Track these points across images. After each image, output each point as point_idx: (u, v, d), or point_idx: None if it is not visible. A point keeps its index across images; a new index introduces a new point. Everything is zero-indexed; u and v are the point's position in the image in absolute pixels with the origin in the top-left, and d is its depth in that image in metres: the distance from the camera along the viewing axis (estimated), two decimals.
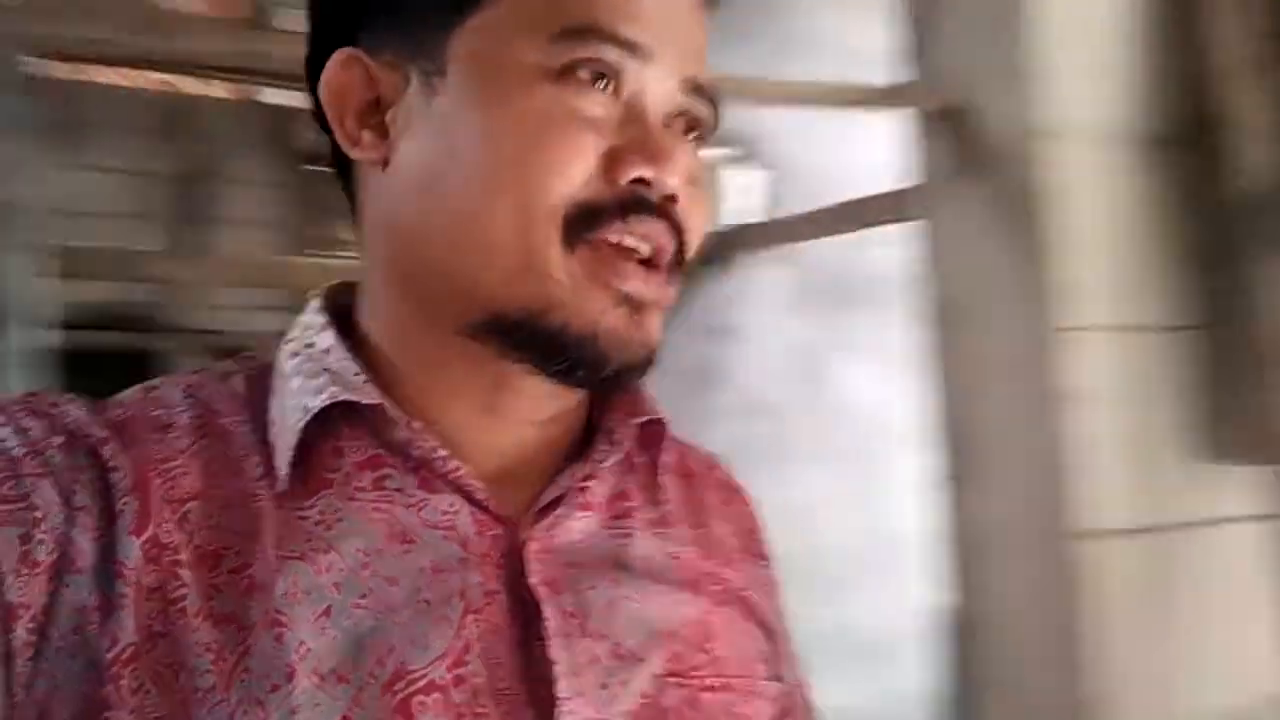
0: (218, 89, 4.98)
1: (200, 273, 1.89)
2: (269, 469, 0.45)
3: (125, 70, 4.62)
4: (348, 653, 0.41)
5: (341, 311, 0.51)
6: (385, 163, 0.48)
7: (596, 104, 0.46)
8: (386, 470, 0.46)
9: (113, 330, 3.29)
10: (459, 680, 0.42)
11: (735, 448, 1.62)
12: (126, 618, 0.40)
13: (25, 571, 0.39)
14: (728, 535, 0.59)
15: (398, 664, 0.42)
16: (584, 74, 0.45)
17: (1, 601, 0.38)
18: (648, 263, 0.46)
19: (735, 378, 1.79)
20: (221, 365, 0.51)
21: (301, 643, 0.41)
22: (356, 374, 0.47)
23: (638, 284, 0.46)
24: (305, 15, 0.53)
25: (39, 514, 0.40)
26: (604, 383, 0.47)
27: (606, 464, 0.51)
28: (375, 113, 0.49)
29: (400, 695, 0.41)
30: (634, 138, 0.46)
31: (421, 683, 0.42)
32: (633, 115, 0.47)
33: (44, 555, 0.40)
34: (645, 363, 0.47)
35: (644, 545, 0.52)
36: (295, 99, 4.57)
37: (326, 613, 0.42)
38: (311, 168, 4.47)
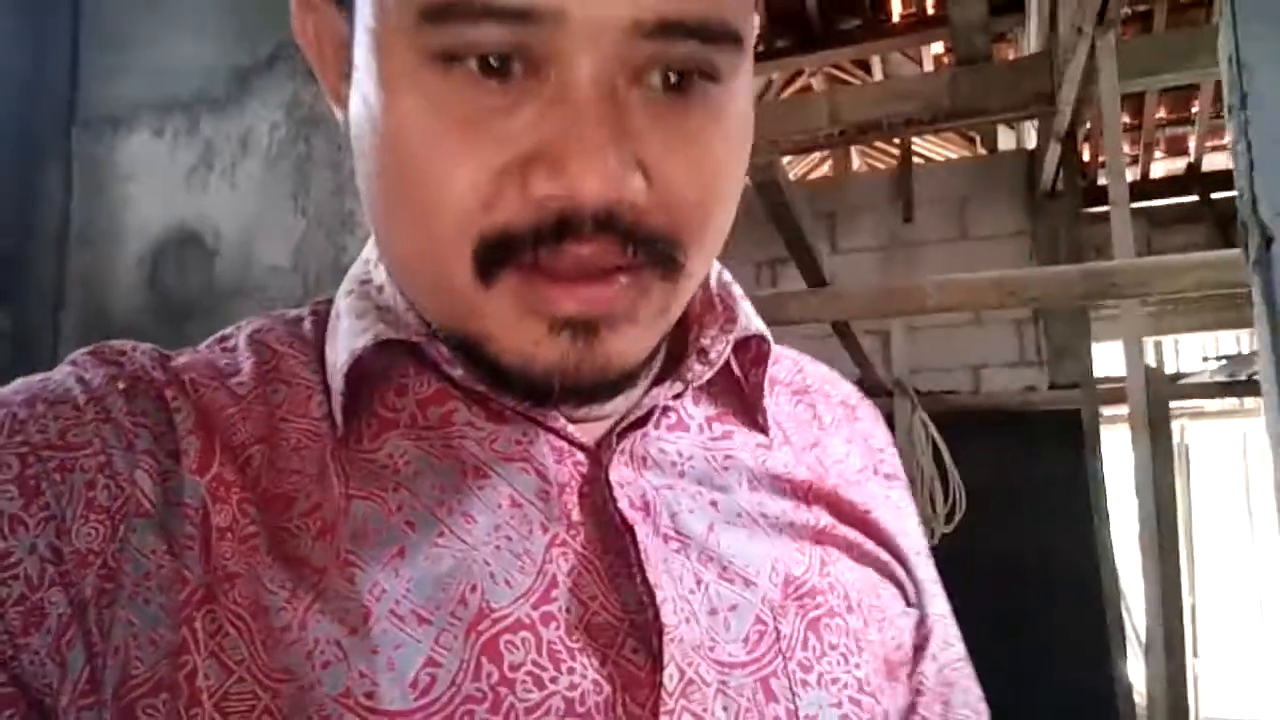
0: (955, 148, 5.15)
1: (837, 305, 1.87)
2: (332, 409, 0.43)
3: (869, 150, 5.13)
4: (427, 593, 0.39)
5: None
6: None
7: (496, 97, 0.36)
8: (453, 404, 0.44)
9: None
10: (547, 617, 0.40)
11: None
12: (195, 559, 0.38)
13: (93, 518, 0.38)
14: (849, 454, 0.54)
15: (481, 603, 0.39)
16: (471, 64, 0.36)
17: (71, 549, 0.38)
18: (593, 274, 0.38)
19: None
20: (294, 310, 0.50)
21: (375, 583, 0.39)
22: (408, 309, 0.44)
23: (574, 305, 0.38)
24: None
25: (102, 459, 0.39)
26: (568, 401, 0.42)
27: (696, 383, 0.47)
28: (351, 62, 0.42)
29: (486, 635, 0.39)
30: (548, 136, 0.36)
31: (508, 621, 0.39)
32: (559, 95, 0.36)
33: (109, 500, 0.39)
34: (616, 379, 0.41)
35: (749, 466, 0.48)
36: (1030, 137, 4.50)
37: (400, 553, 0.40)
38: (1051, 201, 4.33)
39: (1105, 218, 4.47)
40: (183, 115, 1.80)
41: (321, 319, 0.48)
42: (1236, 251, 1.85)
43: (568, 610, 0.40)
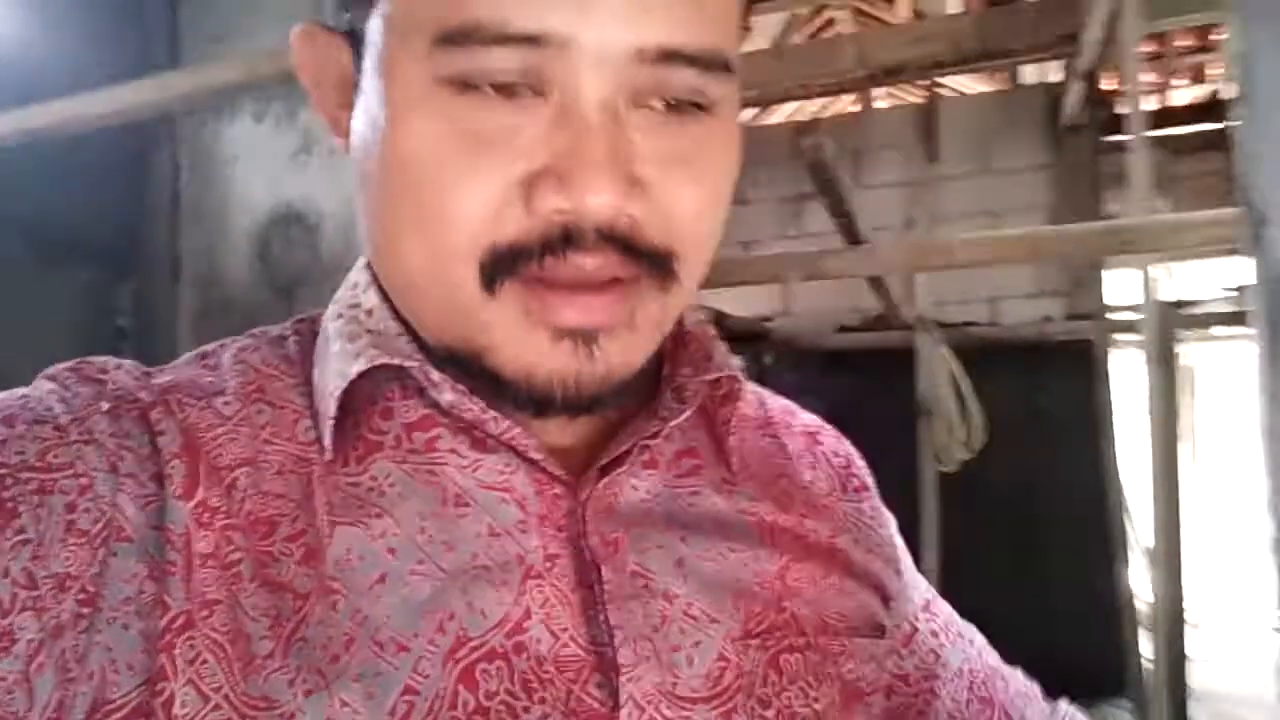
0: (978, 83, 5.22)
1: (873, 262, 2.04)
2: (320, 434, 0.43)
3: (892, 90, 5.21)
4: (406, 621, 0.39)
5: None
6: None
7: (507, 116, 0.38)
8: (438, 431, 0.44)
9: (878, 331, 3.75)
10: (519, 648, 0.40)
11: None
12: (177, 585, 0.38)
13: (72, 541, 0.37)
14: (815, 479, 0.54)
15: (459, 631, 0.40)
16: (484, 86, 0.38)
17: (49, 572, 0.37)
18: (593, 284, 0.40)
19: None
20: (277, 328, 0.49)
21: (358, 610, 0.39)
22: (399, 334, 0.44)
23: (577, 314, 0.40)
24: None
25: (84, 481, 0.38)
26: (567, 413, 0.43)
27: (673, 422, 0.46)
28: (352, 93, 0.44)
29: (463, 664, 0.39)
30: (555, 153, 0.38)
31: (483, 650, 0.39)
32: (564, 116, 0.38)
33: (90, 524, 0.38)
34: (613, 389, 0.42)
35: (713, 503, 0.48)
36: (1053, 71, 4.58)
37: (382, 580, 0.40)
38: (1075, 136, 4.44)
39: (1125, 147, 4.58)
40: (281, 103, 1.96)
41: (305, 339, 0.48)
42: (1238, 211, 2.01)
43: (539, 641, 0.41)
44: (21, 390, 0.42)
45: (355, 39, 0.43)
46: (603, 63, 0.38)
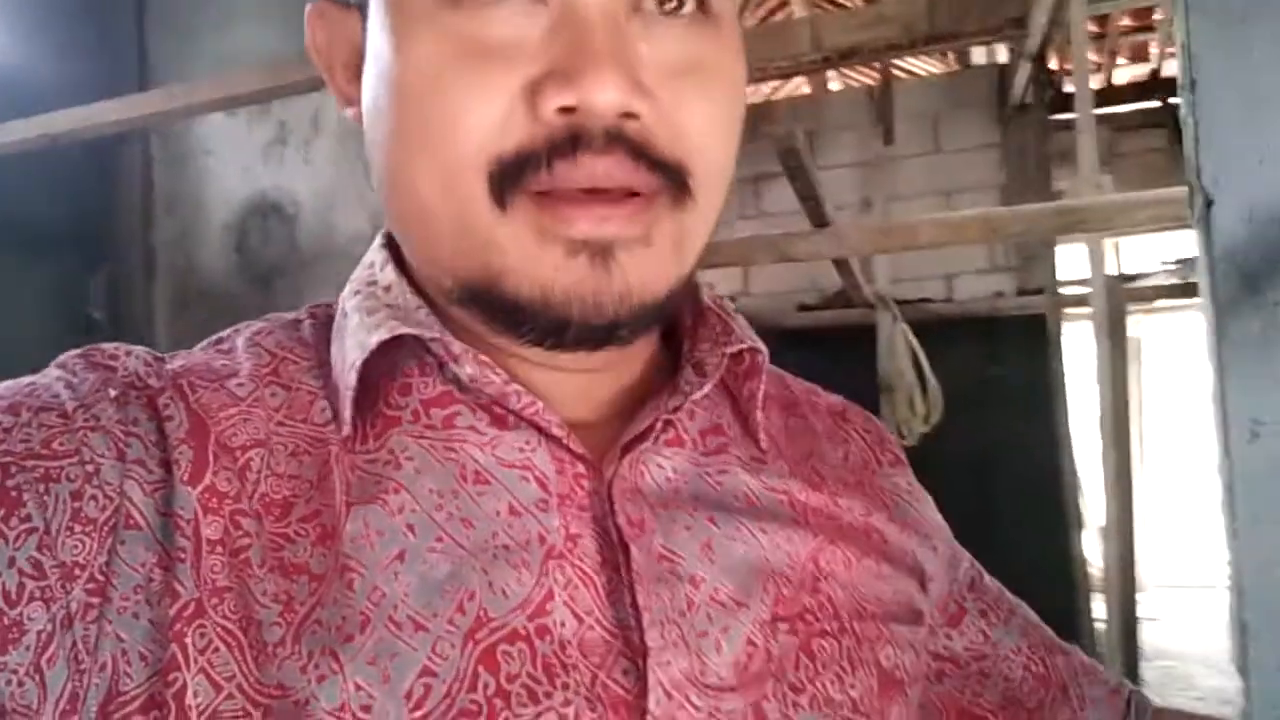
0: (929, 65, 5.32)
1: (839, 244, 2.11)
2: (336, 413, 0.42)
3: (844, 72, 5.29)
4: (424, 599, 0.38)
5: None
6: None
7: (504, 22, 0.38)
8: (456, 408, 0.43)
9: (839, 309, 3.84)
10: (543, 630, 0.39)
11: None
12: (186, 572, 0.37)
13: (79, 529, 0.37)
14: (845, 456, 0.53)
15: (479, 611, 0.38)
16: None
17: (56, 561, 0.36)
18: (608, 193, 0.38)
19: None
20: (291, 313, 0.49)
21: (375, 588, 0.38)
22: (419, 307, 0.43)
23: (590, 224, 0.38)
24: None
25: (90, 469, 0.38)
26: (586, 344, 0.41)
27: (695, 396, 0.45)
28: (361, 64, 0.44)
29: (483, 645, 0.38)
30: (557, 56, 0.37)
31: (504, 631, 0.38)
32: (564, 19, 0.38)
33: (97, 512, 0.37)
34: (634, 315, 0.40)
35: (742, 481, 0.47)
36: (1000, 52, 4.69)
37: (400, 557, 0.39)
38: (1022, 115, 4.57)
39: (1071, 125, 4.71)
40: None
41: (320, 322, 0.47)
42: (1183, 191, 2.11)
43: (563, 624, 0.39)
44: (28, 378, 0.41)
45: (364, 11, 0.43)
46: None
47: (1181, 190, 2.21)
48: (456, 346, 0.42)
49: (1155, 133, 5.35)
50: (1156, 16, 5.11)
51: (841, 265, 3.04)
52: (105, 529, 0.37)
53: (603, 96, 0.37)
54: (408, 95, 0.39)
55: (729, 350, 0.46)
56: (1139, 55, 5.63)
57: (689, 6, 0.40)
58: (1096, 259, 3.06)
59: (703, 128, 0.40)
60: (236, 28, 2.06)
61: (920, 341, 3.69)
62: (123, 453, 0.39)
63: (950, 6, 3.74)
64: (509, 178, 0.38)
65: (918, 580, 0.51)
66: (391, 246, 0.47)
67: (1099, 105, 4.14)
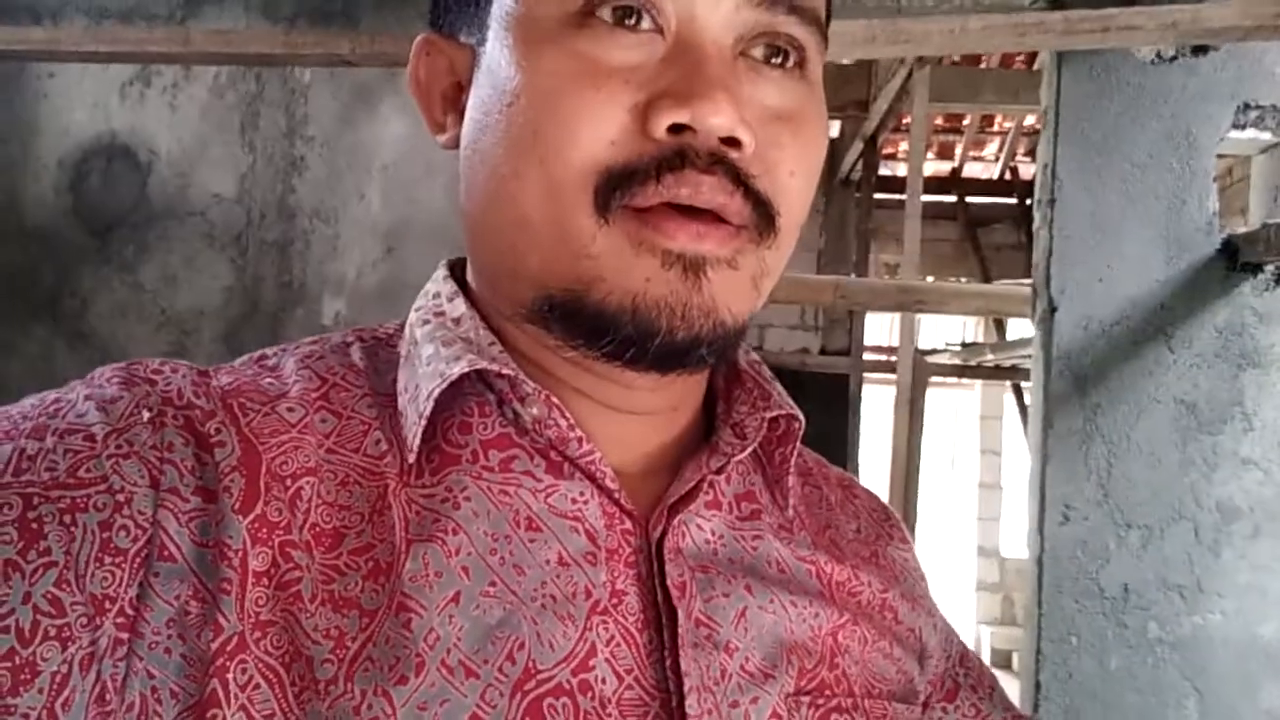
0: None
1: None
2: (392, 444, 0.42)
3: None
4: (476, 644, 0.38)
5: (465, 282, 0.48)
6: (457, 144, 0.46)
7: (625, 48, 0.40)
8: (514, 451, 0.43)
9: None
10: (585, 686, 0.38)
11: (1252, 504, 1.56)
12: (230, 605, 0.36)
13: (109, 561, 0.35)
14: (857, 529, 0.54)
15: (528, 661, 0.38)
16: (605, 14, 0.40)
17: (81, 595, 0.34)
18: (704, 215, 0.40)
19: (1260, 417, 1.61)
20: (338, 335, 0.48)
21: (431, 630, 0.37)
22: (492, 343, 0.44)
23: (687, 238, 0.39)
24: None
25: (120, 498, 0.36)
26: (665, 361, 0.41)
27: (737, 457, 0.46)
28: (460, 97, 0.46)
29: (531, 695, 0.37)
30: (672, 79, 0.39)
31: (550, 685, 0.38)
32: (680, 51, 0.40)
33: (128, 543, 0.36)
34: (715, 334, 0.41)
35: (774, 549, 0.47)
36: (835, 129, 5.04)
37: (455, 599, 0.38)
38: (845, 187, 4.92)
39: (884, 205, 5.14)
40: (120, 25, 1.79)
41: (369, 347, 0.47)
42: (1012, 287, 2.36)
43: (604, 681, 0.39)
44: (54, 394, 0.40)
45: (478, 22, 0.44)
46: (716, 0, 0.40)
47: (1005, 288, 2.46)
48: (528, 386, 0.42)
49: (950, 224, 5.93)
50: (965, 122, 5.68)
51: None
52: (137, 560, 0.35)
53: (715, 119, 0.38)
54: (524, 108, 0.40)
55: (769, 415, 0.47)
56: (945, 153, 6.21)
57: (790, 62, 0.42)
58: (907, 335, 3.34)
59: (791, 169, 0.42)
60: None
61: None
62: (156, 480, 0.37)
63: None
64: (614, 190, 0.39)
65: (919, 659, 0.53)
66: (456, 278, 0.48)
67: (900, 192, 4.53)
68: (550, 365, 0.44)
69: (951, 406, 7.29)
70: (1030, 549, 1.65)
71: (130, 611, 0.35)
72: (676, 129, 0.38)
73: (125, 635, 0.35)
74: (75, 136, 1.83)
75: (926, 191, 5.67)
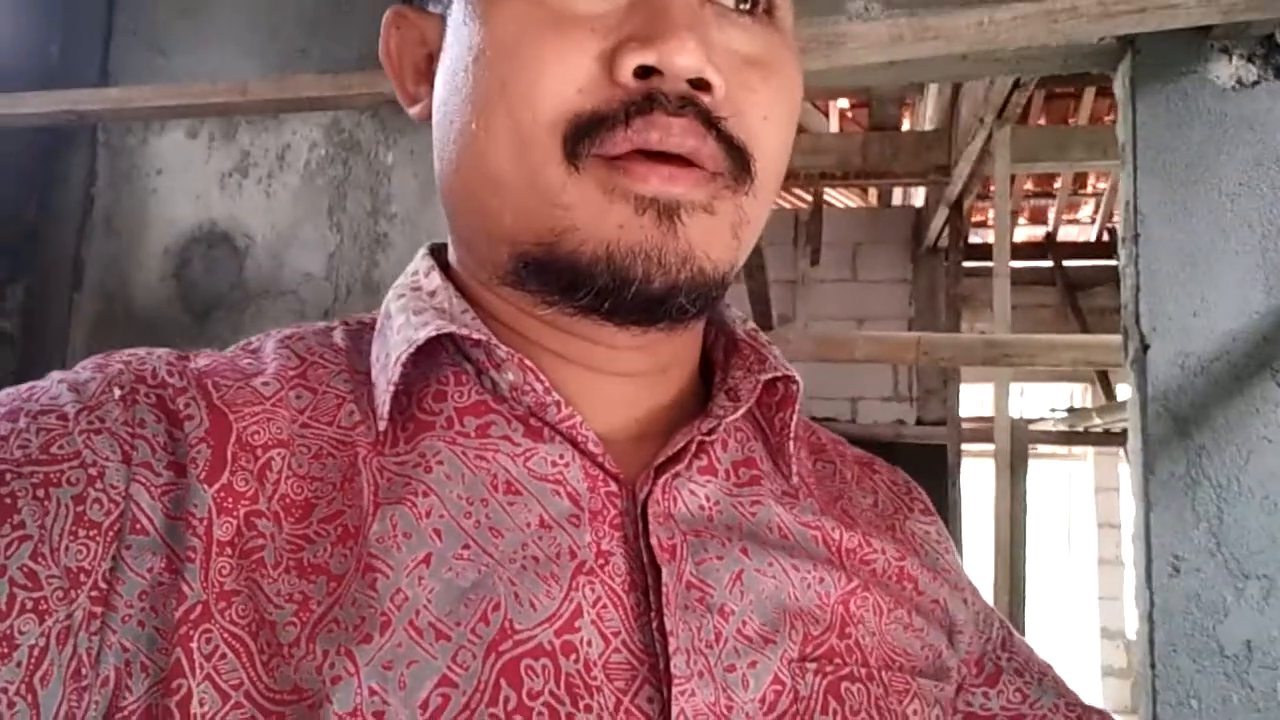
0: (851, 197, 5.62)
1: (781, 348, 2.19)
2: (366, 415, 0.42)
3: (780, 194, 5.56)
4: (448, 606, 0.37)
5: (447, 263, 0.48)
6: (430, 115, 0.46)
7: (590, 1, 0.40)
8: (492, 417, 0.42)
9: None
10: (569, 648, 0.37)
11: None
12: (195, 573, 0.36)
13: (82, 534, 0.35)
14: (874, 503, 0.53)
15: (504, 622, 0.37)
16: None
17: (57, 569, 0.34)
18: (677, 159, 0.39)
19: None
20: (323, 322, 0.48)
21: (398, 590, 0.37)
22: (465, 311, 0.43)
23: (659, 182, 0.39)
24: None
25: (93, 472, 0.36)
26: (644, 311, 0.40)
27: (728, 419, 0.44)
28: (431, 68, 0.46)
29: (506, 657, 0.36)
30: (638, 23, 0.39)
31: (529, 645, 0.37)
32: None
33: (101, 516, 0.36)
34: (694, 282, 0.40)
35: (775, 514, 0.46)
36: (920, 196, 5.01)
37: (425, 560, 0.38)
38: (934, 257, 4.86)
39: (975, 273, 5.04)
40: (218, 121, 1.92)
41: (353, 330, 0.47)
42: (1105, 337, 2.27)
43: (589, 644, 0.38)
44: (29, 383, 0.40)
45: (447, 11, 0.45)
46: None
47: (1099, 338, 2.36)
48: (501, 351, 0.41)
49: (1047, 289, 5.76)
50: (1057, 185, 5.56)
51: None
52: (110, 534, 0.36)
53: (681, 59, 0.38)
54: (489, 63, 0.40)
55: (763, 377, 0.46)
56: (1037, 218, 6.08)
57: (759, 8, 0.42)
58: (1002, 398, 3.23)
59: (764, 113, 0.42)
60: (207, 49, 2.02)
61: None
62: (128, 455, 0.37)
63: (883, 146, 4.00)
64: (583, 138, 0.39)
65: (947, 634, 0.51)
66: (435, 257, 0.48)
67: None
68: (531, 331, 0.43)
69: (1063, 479, 6.95)
70: (1139, 605, 1.54)
71: (104, 585, 0.35)
72: (644, 73, 0.38)
73: (99, 609, 0.34)
74: (179, 226, 1.96)
75: (1022, 257, 5.58)
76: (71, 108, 1.41)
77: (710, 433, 0.44)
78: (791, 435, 0.48)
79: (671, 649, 0.38)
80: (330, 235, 1.89)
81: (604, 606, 0.39)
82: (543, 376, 0.41)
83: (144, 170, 1.99)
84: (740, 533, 0.44)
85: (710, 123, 0.39)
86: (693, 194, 0.39)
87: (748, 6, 0.42)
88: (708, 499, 0.44)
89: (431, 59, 0.46)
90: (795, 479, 0.48)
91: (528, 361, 0.41)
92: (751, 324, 0.50)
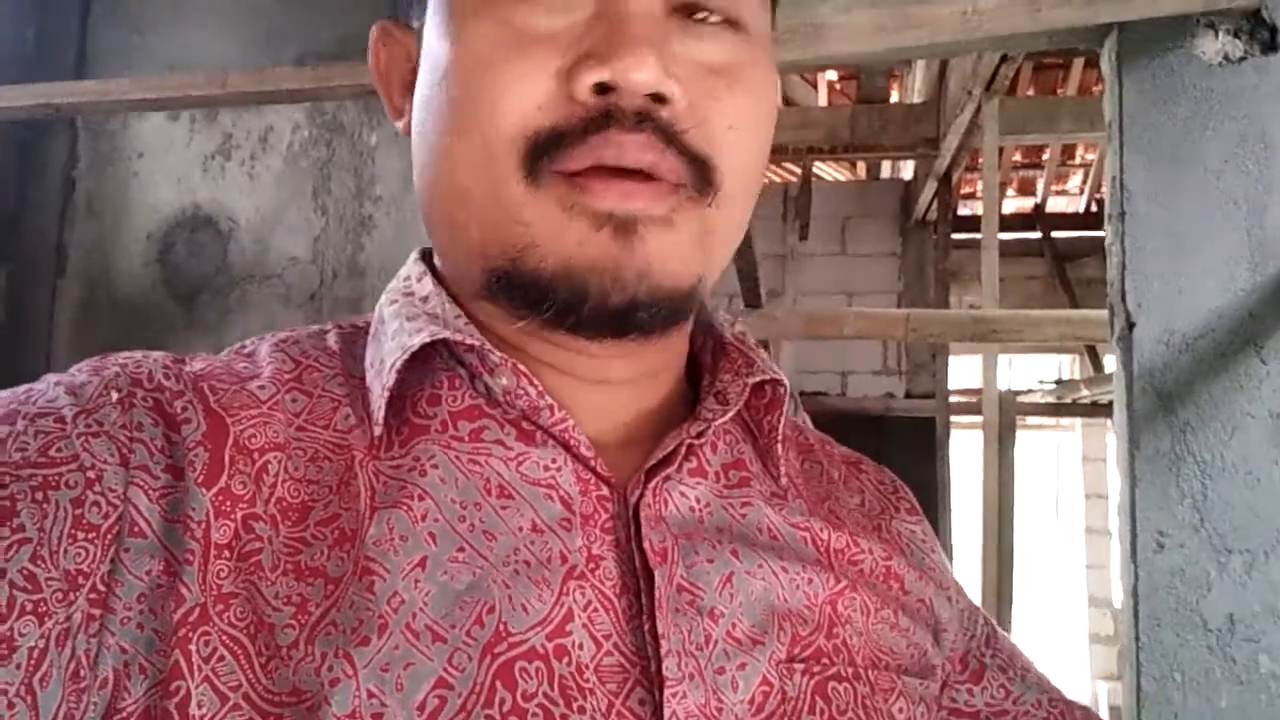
0: (841, 171, 5.60)
1: (769, 326, 2.19)
2: (361, 420, 0.42)
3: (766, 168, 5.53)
4: (444, 609, 0.37)
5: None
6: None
7: (550, 13, 0.40)
8: (485, 422, 0.43)
9: None
10: (561, 651, 0.38)
11: None
12: (193, 576, 0.36)
13: (81, 537, 0.35)
14: (861, 502, 0.53)
15: (499, 624, 0.38)
16: None
17: (56, 571, 0.34)
18: (635, 174, 0.39)
19: None
20: (316, 326, 0.49)
21: (395, 593, 0.37)
22: (458, 316, 0.44)
23: (616, 198, 0.39)
24: None
25: (91, 475, 0.37)
26: (607, 325, 0.41)
27: (717, 422, 0.45)
28: (415, 83, 0.46)
29: (501, 659, 0.37)
30: (596, 39, 0.39)
31: (523, 648, 0.37)
32: (605, 13, 0.40)
33: (99, 519, 0.36)
34: (653, 297, 0.40)
35: (765, 515, 0.47)
36: (909, 169, 5.00)
37: (421, 564, 0.38)
38: (922, 230, 4.85)
39: (963, 245, 5.04)
40: (163, 75, 1.89)
41: (346, 334, 0.48)
42: (1091, 313, 2.27)
43: (580, 647, 0.38)
44: (26, 385, 0.40)
45: (423, 26, 0.45)
46: None
47: (1086, 313, 2.36)
48: (495, 356, 0.42)
49: (1036, 261, 5.77)
50: (1045, 156, 5.55)
51: (764, 349, 3.14)
52: (109, 536, 0.36)
53: (637, 74, 0.38)
54: (455, 80, 0.41)
55: (750, 381, 0.47)
56: (1026, 189, 6.08)
57: (716, 18, 0.42)
58: (990, 371, 3.24)
59: (730, 123, 0.41)
60: (186, 29, 1.99)
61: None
62: (126, 458, 0.38)
63: (871, 119, 3.99)
64: (541, 154, 0.39)
65: (932, 633, 0.51)
66: (426, 261, 0.48)
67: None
68: (517, 340, 0.44)
69: (1051, 450, 7.01)
70: (1124, 581, 1.56)
71: (102, 587, 0.35)
72: (601, 89, 0.39)
73: (97, 611, 0.35)
74: (162, 210, 1.94)
75: (1010, 229, 5.58)
76: (48, 101, 1.39)
77: (699, 436, 0.45)
78: (779, 438, 0.49)
79: (663, 652, 0.39)
80: (315, 218, 1.88)
81: (595, 610, 0.39)
82: (536, 381, 0.42)
83: (125, 153, 1.97)
84: (730, 535, 0.45)
85: (669, 136, 0.40)
86: (651, 208, 0.40)
87: (715, 19, 0.42)
88: (698, 501, 0.45)
89: (415, 74, 0.46)
90: (784, 480, 0.49)
91: (521, 366, 0.42)
92: (740, 327, 0.51)
